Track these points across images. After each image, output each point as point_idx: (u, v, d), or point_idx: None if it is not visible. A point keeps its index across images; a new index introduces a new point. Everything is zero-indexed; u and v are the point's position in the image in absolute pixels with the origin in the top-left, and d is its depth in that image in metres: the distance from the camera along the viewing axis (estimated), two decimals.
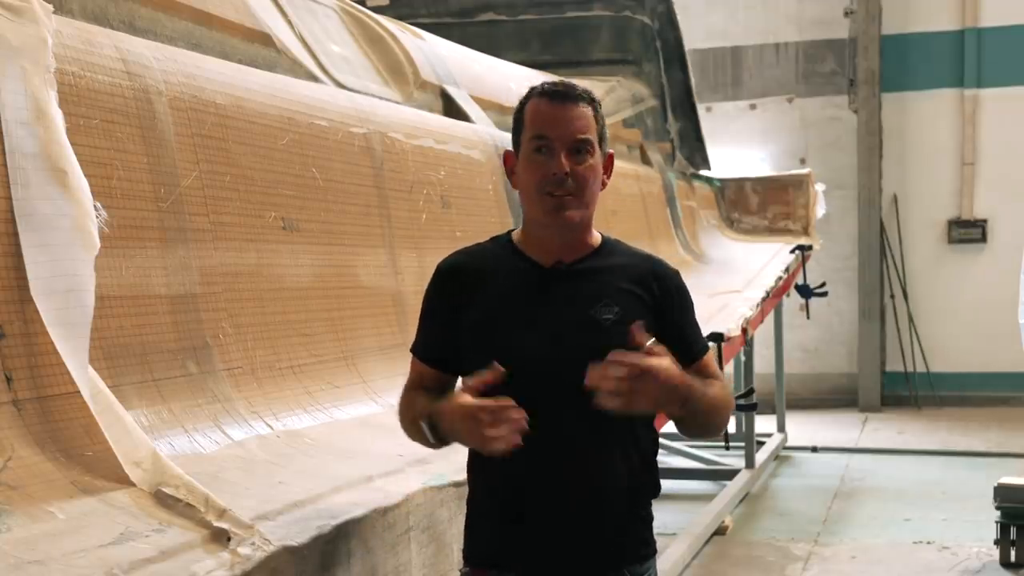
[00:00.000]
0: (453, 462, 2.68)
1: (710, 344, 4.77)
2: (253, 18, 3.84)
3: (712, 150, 9.83)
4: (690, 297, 2.34)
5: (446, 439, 2.19)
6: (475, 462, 2.32)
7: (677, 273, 2.35)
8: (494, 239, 2.37)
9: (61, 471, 2.13)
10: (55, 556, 1.85)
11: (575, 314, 2.20)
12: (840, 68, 12.06)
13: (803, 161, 11.74)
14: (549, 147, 2.18)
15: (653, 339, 2.04)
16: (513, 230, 2.35)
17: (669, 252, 7.21)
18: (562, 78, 2.34)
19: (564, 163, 2.16)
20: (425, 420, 2.17)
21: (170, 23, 3.37)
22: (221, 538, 2.02)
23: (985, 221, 11.66)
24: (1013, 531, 5.91)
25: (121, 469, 2.19)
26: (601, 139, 2.24)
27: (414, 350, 2.37)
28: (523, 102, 2.27)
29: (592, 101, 2.24)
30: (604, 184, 2.27)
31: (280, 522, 2.18)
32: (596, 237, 2.31)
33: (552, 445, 2.18)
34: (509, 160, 2.30)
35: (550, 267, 2.25)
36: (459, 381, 2.32)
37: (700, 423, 2.23)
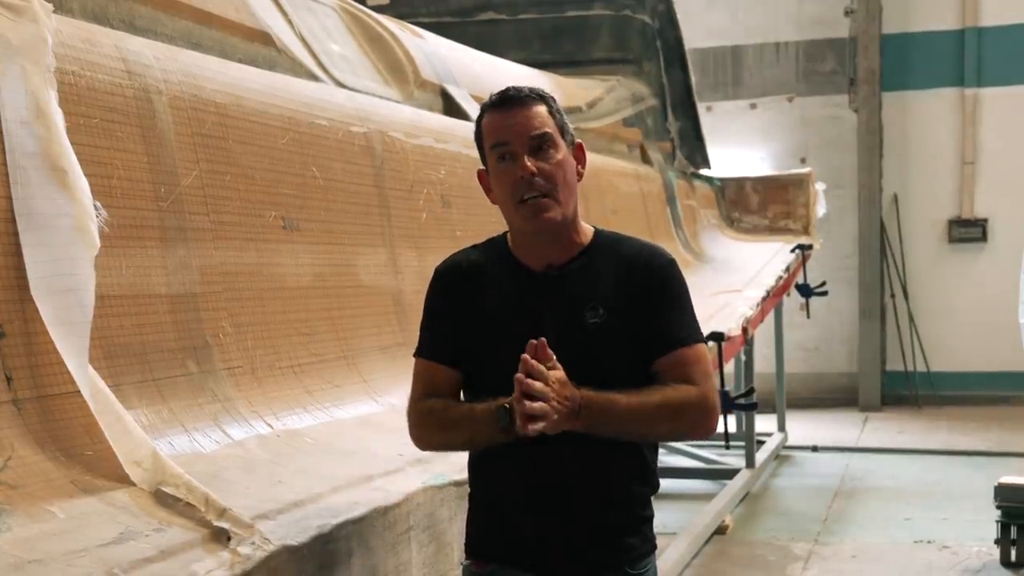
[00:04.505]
0: (453, 462, 2.68)
1: (711, 343, 4.72)
2: (253, 17, 3.84)
3: (712, 149, 9.83)
4: (680, 287, 2.27)
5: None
6: (476, 459, 2.32)
7: (670, 261, 2.29)
8: (490, 240, 2.36)
9: (61, 471, 2.13)
10: (55, 556, 1.84)
11: (565, 318, 2.19)
12: (840, 67, 12.05)
13: (803, 160, 11.72)
14: (510, 152, 2.18)
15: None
16: (508, 231, 2.34)
17: (669, 251, 7.19)
18: (511, 85, 2.32)
19: (528, 164, 2.16)
20: (503, 406, 2.08)
21: (170, 22, 3.37)
22: (221, 537, 2.02)
23: (985, 220, 11.65)
24: (1013, 530, 5.90)
25: (121, 468, 2.19)
26: (563, 132, 2.23)
27: (421, 354, 2.31)
28: (478, 120, 2.28)
29: (543, 98, 2.23)
30: (580, 175, 2.26)
31: (280, 521, 2.18)
32: (587, 234, 2.28)
33: (550, 446, 2.17)
34: (484, 179, 2.30)
35: (540, 271, 2.24)
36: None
37: (634, 434, 2.17)
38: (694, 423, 2.21)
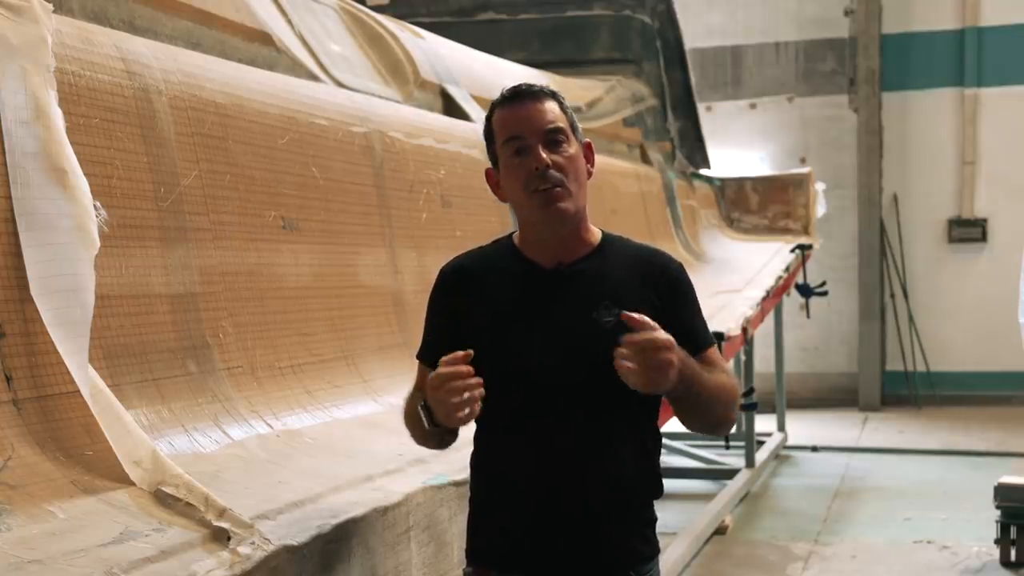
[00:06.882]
0: (453, 462, 2.68)
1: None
2: (253, 17, 3.84)
3: (712, 149, 9.83)
4: (694, 290, 2.32)
5: (438, 422, 2.13)
6: (479, 462, 2.31)
7: (680, 266, 2.33)
8: (496, 242, 2.36)
9: (61, 471, 2.13)
10: (55, 556, 1.85)
11: (576, 317, 2.19)
12: (840, 67, 12.05)
13: (803, 160, 11.73)
14: (525, 146, 2.18)
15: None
16: (514, 232, 2.34)
17: (669, 251, 7.19)
18: (522, 82, 2.33)
19: (543, 156, 2.16)
20: (421, 404, 2.15)
21: (170, 22, 3.37)
22: (221, 537, 2.02)
23: (985, 220, 11.65)
24: (1013, 530, 5.90)
25: (121, 468, 2.19)
26: (573, 129, 2.24)
27: (418, 355, 2.35)
28: (488, 116, 2.28)
29: (554, 95, 2.25)
30: (590, 173, 2.27)
31: (280, 521, 2.18)
32: (596, 235, 2.29)
33: (556, 448, 2.17)
34: (491, 177, 2.30)
35: (551, 269, 2.24)
36: None
37: (702, 410, 2.19)
38: (733, 410, 2.27)
